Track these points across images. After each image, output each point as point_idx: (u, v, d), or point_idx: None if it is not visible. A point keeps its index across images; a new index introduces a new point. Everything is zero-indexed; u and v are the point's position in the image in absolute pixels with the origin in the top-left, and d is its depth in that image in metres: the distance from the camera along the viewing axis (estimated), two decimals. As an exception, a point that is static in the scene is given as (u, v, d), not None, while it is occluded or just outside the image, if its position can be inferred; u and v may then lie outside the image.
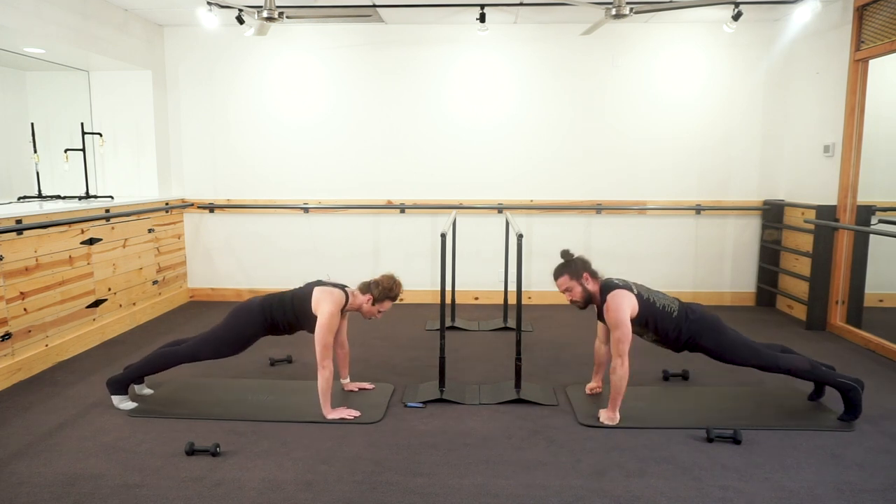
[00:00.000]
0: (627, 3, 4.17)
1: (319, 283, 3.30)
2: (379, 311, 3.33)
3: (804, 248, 5.19)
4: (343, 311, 3.28)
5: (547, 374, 3.91)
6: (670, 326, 3.10)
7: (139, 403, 3.33)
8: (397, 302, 5.96)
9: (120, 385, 3.28)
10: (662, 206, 5.77)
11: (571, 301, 3.22)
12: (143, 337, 4.76)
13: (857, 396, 3.09)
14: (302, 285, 3.35)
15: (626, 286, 3.13)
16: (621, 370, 3.02)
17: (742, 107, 5.67)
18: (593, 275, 3.20)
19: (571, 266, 3.19)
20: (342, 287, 3.30)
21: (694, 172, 5.75)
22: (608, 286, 3.14)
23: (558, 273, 3.22)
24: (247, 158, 5.88)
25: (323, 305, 3.15)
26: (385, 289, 3.28)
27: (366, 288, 3.32)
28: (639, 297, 3.09)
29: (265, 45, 5.71)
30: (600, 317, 3.25)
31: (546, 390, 3.59)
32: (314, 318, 3.16)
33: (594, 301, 3.20)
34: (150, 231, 5.35)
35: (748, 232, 5.85)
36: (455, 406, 3.36)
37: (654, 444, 2.89)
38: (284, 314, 3.23)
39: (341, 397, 3.46)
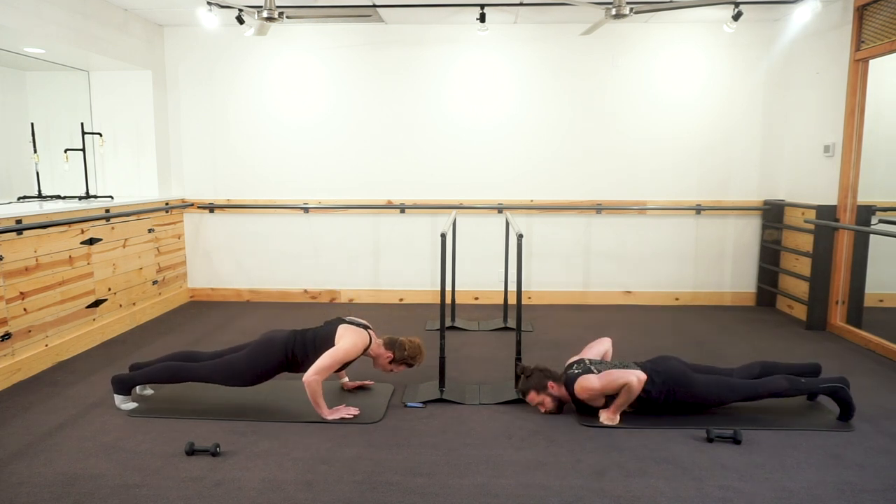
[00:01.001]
0: (627, 3, 4.17)
1: (342, 320, 3.29)
2: (392, 370, 3.38)
3: (804, 248, 5.19)
4: (363, 352, 3.26)
5: (547, 374, 3.90)
6: (642, 393, 3.11)
7: (139, 403, 3.32)
8: (399, 303, 5.99)
9: (124, 385, 3.26)
10: (662, 206, 5.77)
11: (546, 412, 3.25)
12: (143, 337, 4.76)
13: (845, 394, 3.11)
14: (323, 324, 3.33)
15: (585, 370, 3.18)
16: (628, 393, 3.05)
17: (742, 107, 5.67)
18: (556, 378, 3.26)
19: (533, 380, 3.24)
20: (366, 327, 3.31)
21: (694, 172, 5.75)
22: (570, 379, 3.19)
23: (524, 391, 3.27)
24: (247, 158, 5.88)
25: (346, 338, 3.15)
26: (408, 356, 3.32)
27: (390, 345, 3.33)
28: (599, 374, 3.12)
29: (265, 45, 5.71)
30: (579, 406, 3.25)
31: (546, 390, 3.58)
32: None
33: (565, 401, 3.25)
34: (150, 231, 5.35)
35: (748, 232, 5.85)
36: (455, 406, 3.36)
37: (654, 444, 2.89)
38: (305, 352, 3.19)
39: (340, 396, 3.47)
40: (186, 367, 3.22)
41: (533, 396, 3.24)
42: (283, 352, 3.18)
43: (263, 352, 3.18)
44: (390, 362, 3.33)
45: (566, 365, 3.34)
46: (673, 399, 3.13)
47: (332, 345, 3.16)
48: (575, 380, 3.14)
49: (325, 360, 3.08)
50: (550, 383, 3.23)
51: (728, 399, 3.14)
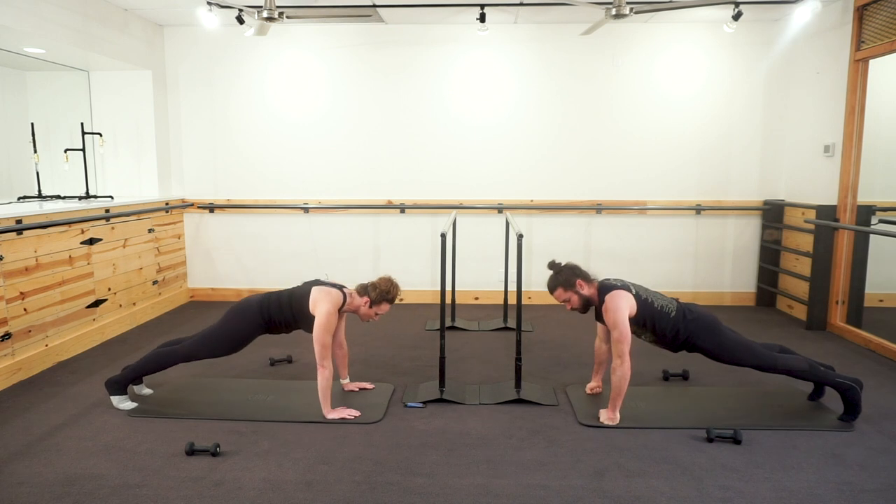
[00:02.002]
0: (627, 3, 4.17)
1: (317, 282, 3.30)
2: (376, 314, 3.34)
3: (804, 248, 5.19)
4: (340, 311, 3.27)
5: (547, 374, 3.90)
6: (668, 326, 3.10)
7: (139, 403, 3.33)
8: (397, 302, 5.97)
9: (118, 386, 3.28)
10: (662, 206, 5.77)
11: (571, 309, 3.23)
12: (143, 337, 4.76)
13: (855, 396, 3.09)
14: (300, 284, 3.35)
15: (624, 286, 3.13)
16: (621, 370, 3.02)
17: (742, 107, 5.67)
18: (586, 278, 3.21)
19: (562, 276, 3.20)
20: (340, 287, 3.30)
21: (694, 172, 5.75)
22: (606, 287, 3.14)
23: (552, 287, 3.23)
24: (247, 158, 5.88)
25: (321, 305, 3.15)
26: (382, 291, 3.27)
27: (363, 290, 3.31)
28: (637, 297, 3.10)
29: (265, 45, 5.71)
30: (599, 318, 3.25)
31: (546, 390, 3.59)
32: (311, 317, 3.16)
33: (593, 303, 3.21)
34: (150, 231, 5.35)
35: (748, 232, 5.85)
36: (455, 406, 3.36)
37: (654, 444, 2.89)
38: (282, 313, 3.23)
39: (341, 397, 3.46)
40: (171, 351, 3.26)
41: (560, 293, 3.18)
42: (259, 314, 3.22)
43: (239, 317, 3.23)
44: (370, 307, 3.30)
45: (604, 278, 3.27)
46: (693, 344, 3.10)
47: (307, 306, 3.18)
48: (611, 290, 3.08)
49: (318, 339, 3.09)
50: (579, 282, 3.17)
51: (744, 360, 3.10)
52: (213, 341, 3.24)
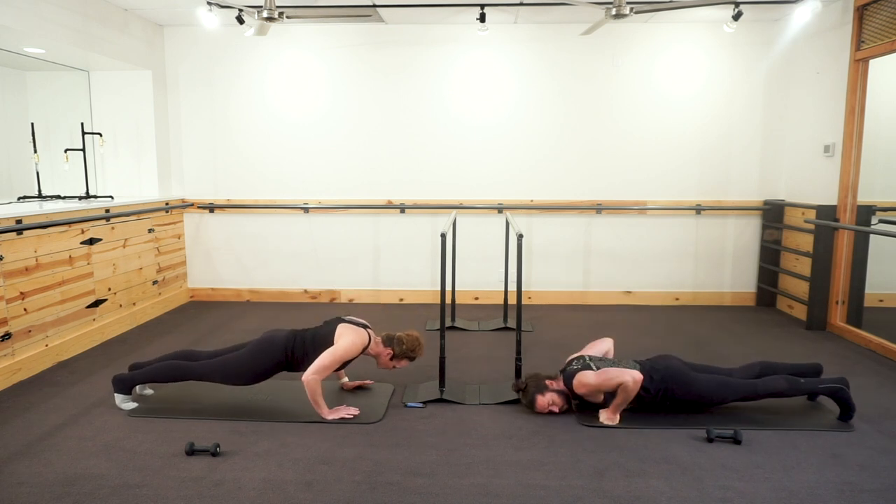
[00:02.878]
0: (627, 2, 4.17)
1: (342, 319, 3.29)
2: (394, 367, 3.37)
3: (804, 248, 5.19)
4: (362, 351, 3.25)
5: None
6: (640, 390, 3.12)
7: (139, 403, 3.33)
8: (399, 303, 5.98)
9: (125, 385, 3.27)
10: (663, 206, 5.77)
11: (561, 411, 3.24)
12: (143, 337, 4.76)
13: (844, 395, 3.11)
14: (322, 324, 3.33)
15: (585, 366, 3.19)
16: (625, 393, 3.05)
17: (742, 107, 5.67)
18: (550, 377, 3.29)
19: (531, 389, 3.25)
20: (366, 326, 3.31)
21: (694, 172, 5.75)
22: (568, 375, 3.20)
23: (529, 404, 3.26)
24: (247, 158, 5.88)
25: (345, 338, 3.15)
26: (407, 350, 3.31)
27: (388, 341, 3.33)
28: (597, 371, 3.14)
29: (265, 45, 5.71)
30: (582, 402, 3.27)
31: (546, 390, 3.58)
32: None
33: (567, 394, 3.26)
34: (150, 231, 5.35)
35: (748, 232, 5.85)
36: (455, 406, 3.36)
37: (654, 444, 2.89)
38: (304, 352, 3.19)
39: (340, 397, 3.46)
40: (186, 366, 3.22)
41: (540, 401, 3.21)
42: (283, 351, 3.18)
43: (263, 351, 3.18)
44: (391, 359, 3.33)
45: (566, 361, 3.35)
46: (671, 397, 3.13)
47: (332, 344, 3.16)
48: (573, 375, 3.15)
49: (325, 359, 3.08)
50: (548, 381, 3.25)
51: (727, 398, 3.14)
52: (233, 370, 3.17)
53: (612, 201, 5.80)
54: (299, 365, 3.20)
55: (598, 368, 3.15)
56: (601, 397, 3.16)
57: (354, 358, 3.24)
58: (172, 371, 3.22)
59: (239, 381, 3.19)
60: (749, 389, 3.12)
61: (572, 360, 3.30)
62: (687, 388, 3.11)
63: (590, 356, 3.28)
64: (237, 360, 3.18)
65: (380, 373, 3.87)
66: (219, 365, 3.19)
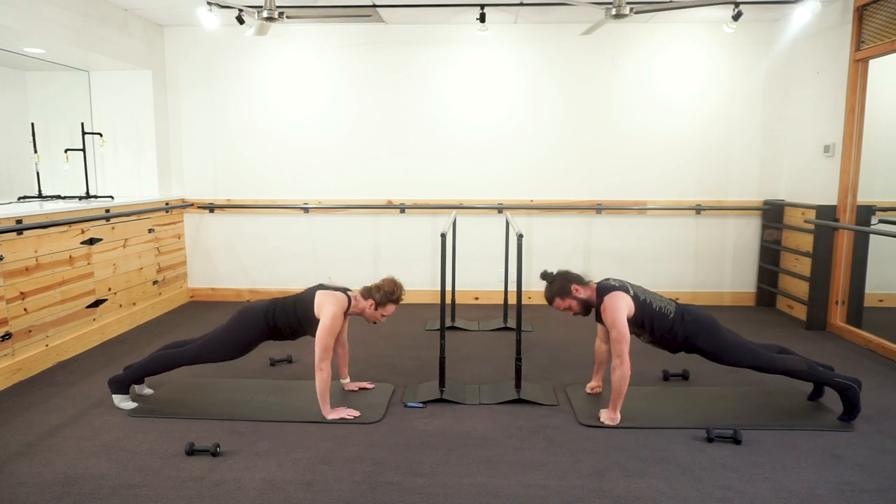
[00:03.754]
0: (627, 2, 4.17)
1: (321, 286, 3.30)
2: (382, 315, 3.34)
3: (804, 248, 5.19)
4: (346, 314, 3.27)
5: (547, 374, 3.90)
6: (666, 327, 3.10)
7: (139, 403, 3.33)
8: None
9: (121, 384, 3.28)
10: (663, 206, 5.77)
11: (574, 314, 3.25)
12: (143, 337, 4.76)
13: (854, 396, 3.10)
14: (304, 290, 3.35)
15: (623, 287, 3.14)
16: (621, 370, 3.02)
17: (742, 107, 5.67)
18: (580, 282, 3.23)
19: (556, 286, 3.22)
20: (345, 290, 3.30)
21: (694, 172, 5.75)
22: (604, 288, 3.15)
23: (549, 297, 3.25)
24: (247, 158, 5.88)
25: (326, 308, 3.14)
26: (387, 292, 3.27)
27: (367, 293, 3.31)
28: (635, 297, 3.11)
29: (265, 45, 5.71)
30: (599, 318, 3.26)
31: (546, 390, 3.59)
32: (317, 321, 3.15)
33: (592, 305, 3.23)
34: (150, 231, 5.35)
35: (748, 232, 5.85)
36: (455, 406, 3.36)
37: (654, 444, 2.89)
38: (287, 319, 3.22)
39: (341, 397, 3.47)
40: (175, 353, 3.26)
41: (559, 302, 3.21)
42: (265, 320, 3.22)
43: (243, 322, 3.23)
44: (375, 308, 3.30)
45: (603, 279, 3.28)
46: (692, 345, 3.11)
47: (312, 311, 3.17)
48: (609, 291, 3.10)
49: (319, 341, 3.10)
50: (574, 287, 3.19)
51: (744, 360, 3.11)
52: (217, 346, 3.23)
53: (612, 201, 5.80)
54: (283, 332, 3.25)
55: (635, 295, 3.10)
56: (606, 330, 3.16)
57: (343, 323, 3.26)
58: (163, 361, 3.26)
59: (227, 356, 3.24)
60: (768, 360, 3.10)
61: (610, 278, 3.25)
62: (711, 339, 3.09)
63: (632, 284, 3.21)
64: (220, 335, 3.24)
65: (380, 373, 3.87)
66: (204, 344, 3.24)
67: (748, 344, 3.14)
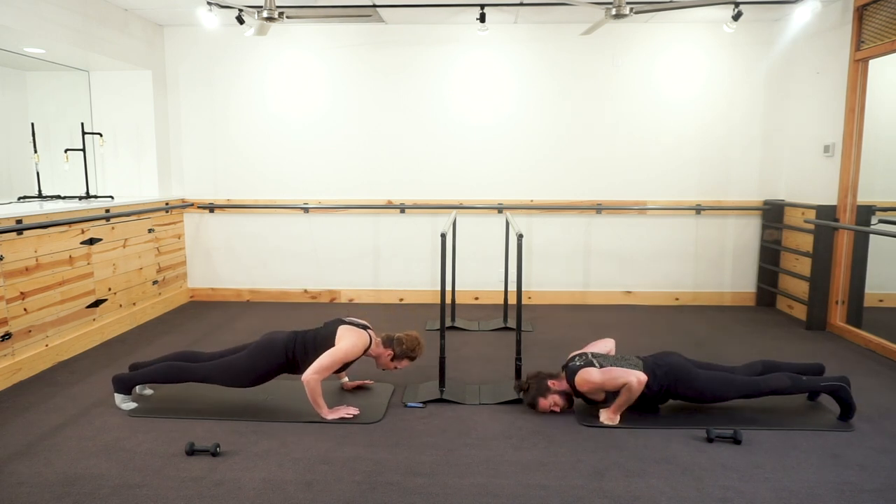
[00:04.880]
0: (627, 2, 4.17)
1: (342, 321, 3.29)
2: (396, 367, 3.36)
3: (804, 248, 5.19)
4: (364, 353, 3.26)
5: (547, 374, 3.90)
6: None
7: (139, 403, 3.33)
8: (399, 302, 5.98)
9: (125, 385, 3.27)
10: (662, 206, 5.77)
11: (562, 410, 3.26)
12: (143, 337, 4.76)
13: (846, 394, 3.11)
14: (322, 325, 3.33)
15: (587, 363, 3.17)
16: (629, 394, 3.05)
17: (742, 107, 5.67)
18: (552, 376, 3.27)
19: (533, 390, 3.24)
20: (366, 328, 3.31)
21: (694, 172, 5.75)
22: (571, 371, 3.18)
23: (531, 404, 3.27)
24: (247, 158, 5.88)
25: (347, 339, 3.15)
26: (407, 349, 3.31)
27: (388, 342, 3.33)
28: (601, 369, 3.13)
29: (265, 45, 5.71)
30: (581, 396, 3.25)
31: (546, 390, 3.58)
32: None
33: (570, 392, 3.25)
34: (150, 231, 5.35)
35: (748, 232, 5.85)
36: (455, 406, 3.36)
37: (654, 444, 2.89)
38: (305, 351, 3.19)
39: (340, 396, 3.47)
40: (186, 368, 3.22)
41: (543, 403, 3.23)
42: (284, 353, 3.18)
43: (263, 353, 3.19)
44: (392, 359, 3.33)
45: (568, 357, 3.34)
46: (674, 393, 3.13)
47: (333, 346, 3.16)
48: (576, 372, 3.14)
49: (325, 359, 3.08)
50: (550, 382, 3.23)
51: (729, 395, 3.13)
52: (233, 372, 3.18)
53: (612, 201, 5.80)
54: (300, 366, 3.20)
55: (601, 366, 3.14)
56: (603, 395, 3.16)
57: (356, 359, 3.24)
58: (173, 372, 3.22)
59: (240, 384, 3.19)
60: (752, 386, 3.12)
61: (574, 356, 3.30)
62: (690, 385, 3.11)
63: (593, 353, 3.27)
64: (238, 363, 3.19)
65: (380, 373, 3.87)
66: (220, 367, 3.19)
67: (728, 377, 3.15)
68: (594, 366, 3.14)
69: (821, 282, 4.91)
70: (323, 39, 5.69)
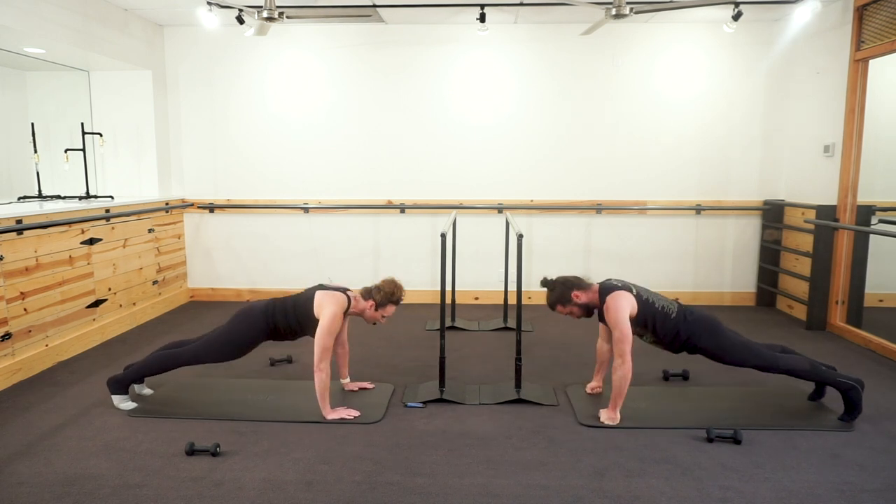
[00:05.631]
0: (627, 2, 4.17)
1: (321, 287, 3.29)
2: (382, 316, 3.34)
3: (804, 248, 5.19)
4: (345, 314, 3.26)
5: (547, 374, 3.90)
6: (668, 327, 3.10)
7: (139, 403, 3.33)
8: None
9: (120, 385, 3.28)
10: (663, 206, 5.77)
11: (577, 318, 3.27)
12: (143, 337, 4.76)
13: (857, 396, 3.09)
14: (303, 290, 3.34)
15: (626, 287, 3.14)
16: (622, 370, 3.03)
17: (742, 107, 5.67)
18: (581, 286, 3.23)
19: (556, 293, 3.23)
20: (344, 290, 3.29)
21: (694, 172, 5.75)
22: (607, 288, 3.15)
23: (550, 304, 3.27)
24: (247, 158, 5.88)
25: (325, 308, 3.14)
26: (387, 293, 3.27)
27: (367, 293, 3.31)
28: (637, 297, 3.11)
29: (265, 45, 5.71)
30: (601, 318, 3.26)
31: (546, 390, 3.59)
32: (316, 321, 3.15)
33: (595, 307, 3.23)
34: (150, 231, 5.35)
35: (748, 232, 5.85)
36: (455, 406, 3.36)
37: (654, 444, 2.89)
38: (286, 319, 3.22)
39: (341, 397, 3.47)
40: (174, 354, 3.26)
41: (560, 308, 3.24)
42: (264, 320, 3.21)
43: (242, 322, 3.22)
44: (376, 309, 3.29)
45: (607, 278, 3.30)
46: (696, 345, 3.11)
47: (311, 311, 3.17)
48: (611, 291, 3.10)
49: (319, 341, 3.09)
50: (575, 293, 3.20)
51: (746, 361, 3.10)
52: (216, 346, 3.23)
53: (612, 201, 5.80)
54: (283, 333, 3.24)
55: (638, 294, 3.10)
56: (608, 329, 3.16)
57: (342, 323, 3.25)
58: (163, 360, 3.26)
59: (227, 356, 3.23)
60: (771, 359, 3.10)
61: (612, 279, 3.26)
62: (713, 338, 3.09)
63: (634, 284, 3.22)
64: (220, 337, 3.23)
65: (380, 373, 3.87)
66: (204, 344, 3.23)
67: (751, 344, 3.14)
68: (631, 291, 3.10)
69: (821, 282, 4.91)
70: (323, 39, 5.69)
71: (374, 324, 3.37)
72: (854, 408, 3.11)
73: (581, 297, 3.20)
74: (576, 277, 3.27)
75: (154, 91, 5.57)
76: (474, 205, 5.79)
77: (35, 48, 4.58)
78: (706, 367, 3.95)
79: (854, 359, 4.22)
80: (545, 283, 3.30)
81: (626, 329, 3.02)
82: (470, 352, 4.38)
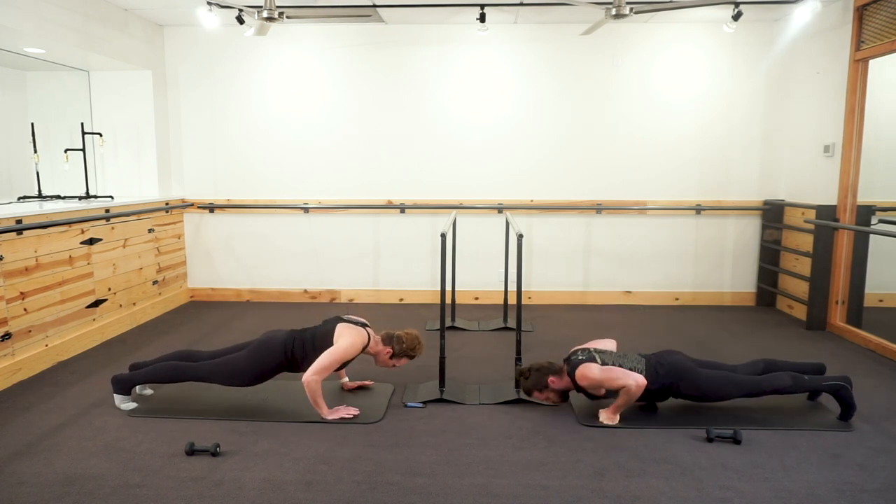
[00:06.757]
0: (627, 2, 4.17)
1: (341, 319, 3.29)
2: (394, 365, 3.36)
3: (804, 248, 5.19)
4: (361, 350, 3.25)
5: (547, 374, 3.90)
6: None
7: (139, 403, 3.33)
8: (399, 302, 5.98)
9: (124, 385, 3.27)
10: (662, 206, 5.77)
11: (554, 404, 3.30)
12: (143, 337, 4.76)
13: (847, 394, 3.11)
14: (321, 323, 3.33)
15: (589, 358, 3.15)
16: (628, 396, 3.04)
17: (742, 107, 5.67)
18: (555, 372, 3.26)
19: (532, 380, 3.25)
20: (364, 325, 3.30)
21: (694, 172, 5.75)
22: (573, 365, 3.17)
23: (527, 391, 3.29)
24: (247, 158, 5.88)
25: (345, 337, 3.14)
26: (406, 348, 3.31)
27: (388, 339, 3.32)
28: (603, 364, 3.12)
29: (265, 45, 5.71)
30: (581, 390, 3.23)
31: (546, 390, 3.58)
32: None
33: (568, 390, 3.26)
34: (150, 231, 5.35)
35: (748, 232, 5.85)
36: (455, 406, 3.36)
37: (654, 444, 2.89)
38: (304, 350, 3.18)
39: (340, 397, 3.47)
40: (186, 367, 3.22)
41: (537, 395, 3.27)
42: (283, 351, 3.18)
43: (262, 352, 3.18)
44: (391, 357, 3.33)
45: (571, 351, 3.33)
46: (676, 392, 3.12)
47: (331, 344, 3.16)
48: (578, 366, 3.12)
49: (325, 359, 3.08)
50: (551, 379, 3.22)
51: (731, 394, 3.12)
52: (233, 372, 3.17)
53: (612, 201, 5.80)
54: (300, 365, 3.20)
55: (603, 362, 3.12)
56: (603, 391, 3.15)
57: (354, 357, 3.24)
58: (172, 372, 3.22)
59: (240, 383, 3.19)
60: (753, 386, 3.11)
61: (577, 350, 3.28)
62: (692, 384, 3.10)
63: (595, 349, 3.26)
64: (237, 362, 3.18)
65: (380, 373, 3.87)
66: (219, 366, 3.19)
67: (730, 375, 3.15)
68: (596, 361, 3.13)
69: (821, 282, 4.91)
70: (323, 39, 5.69)
71: (383, 368, 3.41)
72: (848, 406, 3.12)
73: (557, 382, 3.23)
74: (549, 363, 3.30)
75: (154, 91, 5.57)
76: (474, 205, 5.79)
77: (35, 48, 4.58)
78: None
79: (854, 359, 4.22)
80: (520, 372, 3.34)
81: (608, 376, 3.04)
82: (470, 352, 4.38)
